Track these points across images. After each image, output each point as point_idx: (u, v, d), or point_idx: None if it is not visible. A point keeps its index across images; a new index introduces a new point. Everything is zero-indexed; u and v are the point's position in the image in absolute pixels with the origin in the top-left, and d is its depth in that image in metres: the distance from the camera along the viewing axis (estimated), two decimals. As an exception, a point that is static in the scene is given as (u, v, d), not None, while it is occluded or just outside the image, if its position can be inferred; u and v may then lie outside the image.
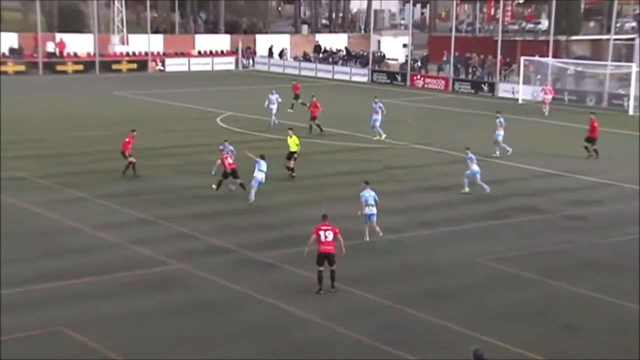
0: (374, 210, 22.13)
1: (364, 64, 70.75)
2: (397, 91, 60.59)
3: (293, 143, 29.75)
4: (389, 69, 69.56)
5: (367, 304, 17.91)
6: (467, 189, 27.79)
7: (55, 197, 26.29)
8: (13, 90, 54.77)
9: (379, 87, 63.37)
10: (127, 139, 29.32)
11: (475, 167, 27.80)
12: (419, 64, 67.93)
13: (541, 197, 27.96)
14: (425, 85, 63.36)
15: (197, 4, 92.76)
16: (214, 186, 27.11)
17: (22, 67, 65.69)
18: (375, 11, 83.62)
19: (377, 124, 37.86)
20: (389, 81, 66.17)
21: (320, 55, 77.16)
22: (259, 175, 26.06)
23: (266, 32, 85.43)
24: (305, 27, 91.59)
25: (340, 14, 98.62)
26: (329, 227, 18.28)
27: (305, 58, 76.27)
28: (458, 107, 51.64)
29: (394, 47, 76.64)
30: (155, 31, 77.25)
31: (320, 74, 70.92)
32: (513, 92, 56.50)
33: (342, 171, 31.45)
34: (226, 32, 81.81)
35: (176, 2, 80.00)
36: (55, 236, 22.22)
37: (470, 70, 64.59)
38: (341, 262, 19.16)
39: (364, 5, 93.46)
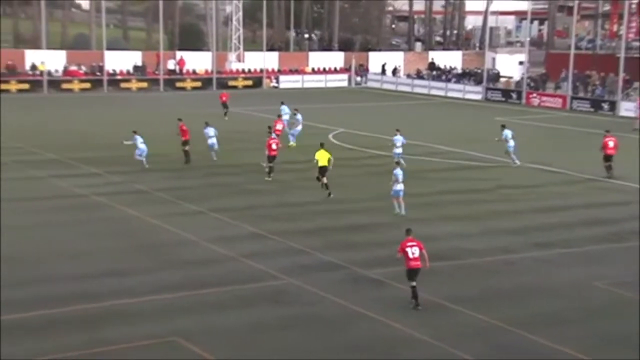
0: (402, 186, 26.17)
1: (478, 82, 69.91)
2: (511, 109, 59.56)
3: (324, 157, 28.97)
4: (505, 87, 68.45)
5: (478, 324, 17.60)
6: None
7: (173, 210, 27.09)
8: (137, 106, 57.02)
9: (494, 105, 62.52)
10: (183, 129, 34.68)
11: (397, 150, 33.27)
12: (536, 81, 66.53)
13: (664, 220, 26.77)
14: (542, 104, 61.96)
15: (312, 22, 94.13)
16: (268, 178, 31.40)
17: (144, 84, 68.29)
18: (491, 28, 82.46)
19: (296, 134, 39.84)
20: (503, 99, 65.10)
21: (434, 72, 76.80)
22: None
23: (379, 50, 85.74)
24: (419, 45, 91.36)
25: (455, 31, 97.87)
26: (415, 243, 18.33)
27: (419, 75, 76.05)
28: (576, 126, 50.24)
29: (510, 65, 75.40)
30: (271, 49, 78.80)
31: (433, 92, 70.54)
32: (635, 111, 54.45)
33: (454, 189, 31.11)
34: (340, 49, 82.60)
35: (291, 20, 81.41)
36: (173, 248, 22.89)
37: (589, 88, 62.73)
38: (453, 281, 18.98)
39: (479, 22, 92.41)
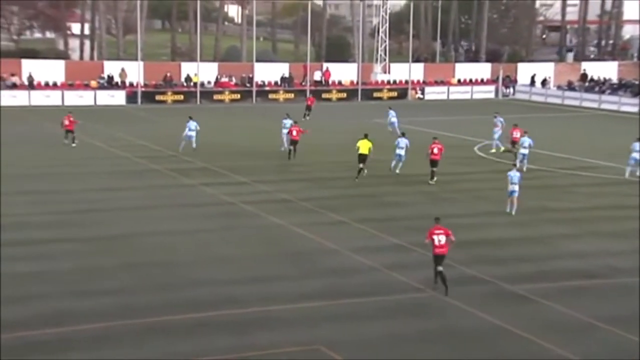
0: (516, 187, 27.43)
1: (636, 94, 66.86)
2: (671, 122, 56.58)
3: (365, 146, 32.85)
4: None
5: (629, 345, 16.86)
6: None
7: (316, 219, 27.47)
8: (282, 116, 58.17)
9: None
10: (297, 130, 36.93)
11: (524, 151, 35.82)
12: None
13: None
14: None
15: (459, 32, 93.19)
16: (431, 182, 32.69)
17: (291, 95, 69.69)
18: (651, 37, 78.75)
19: (496, 136, 41.22)
20: (663, 111, 61.98)
21: (586, 83, 74.18)
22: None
23: (529, 61, 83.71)
24: (570, 55, 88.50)
25: (611, 41, 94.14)
26: (442, 231, 19.69)
27: (570, 87, 73.64)
28: None
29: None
30: (417, 60, 78.57)
31: (585, 104, 68.14)
32: None
33: (605, 205, 29.98)
34: (487, 60, 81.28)
35: (438, 32, 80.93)
36: (316, 257, 23.21)
37: None
38: (604, 300, 18.27)
39: (638, 31, 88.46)
